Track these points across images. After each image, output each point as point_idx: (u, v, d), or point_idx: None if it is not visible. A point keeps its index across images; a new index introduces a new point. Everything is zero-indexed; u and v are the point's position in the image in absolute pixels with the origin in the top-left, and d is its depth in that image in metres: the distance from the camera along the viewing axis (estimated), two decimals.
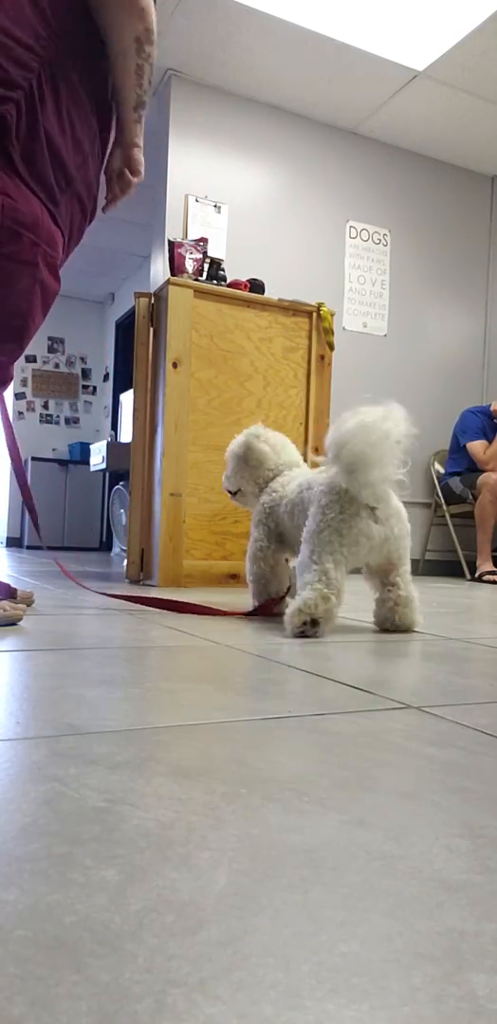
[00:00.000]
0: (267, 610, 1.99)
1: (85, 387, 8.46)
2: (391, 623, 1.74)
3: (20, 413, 7.99)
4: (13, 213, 1.38)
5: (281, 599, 1.99)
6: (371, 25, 3.67)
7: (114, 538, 6.47)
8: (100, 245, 6.53)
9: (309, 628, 1.56)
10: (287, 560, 2.13)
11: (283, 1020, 0.33)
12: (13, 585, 1.80)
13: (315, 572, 1.60)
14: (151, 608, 1.99)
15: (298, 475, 2.02)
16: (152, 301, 3.07)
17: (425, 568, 4.84)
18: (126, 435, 6.00)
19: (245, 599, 2.45)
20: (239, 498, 2.18)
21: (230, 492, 2.20)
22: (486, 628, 1.96)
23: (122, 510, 5.83)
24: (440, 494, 4.68)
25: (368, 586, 1.84)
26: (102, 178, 1.62)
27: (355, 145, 4.66)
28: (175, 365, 2.87)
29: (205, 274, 3.10)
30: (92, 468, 6.38)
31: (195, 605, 1.98)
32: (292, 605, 1.59)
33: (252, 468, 2.08)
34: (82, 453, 7.62)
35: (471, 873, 0.49)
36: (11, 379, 1.59)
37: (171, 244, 3.07)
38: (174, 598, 2.06)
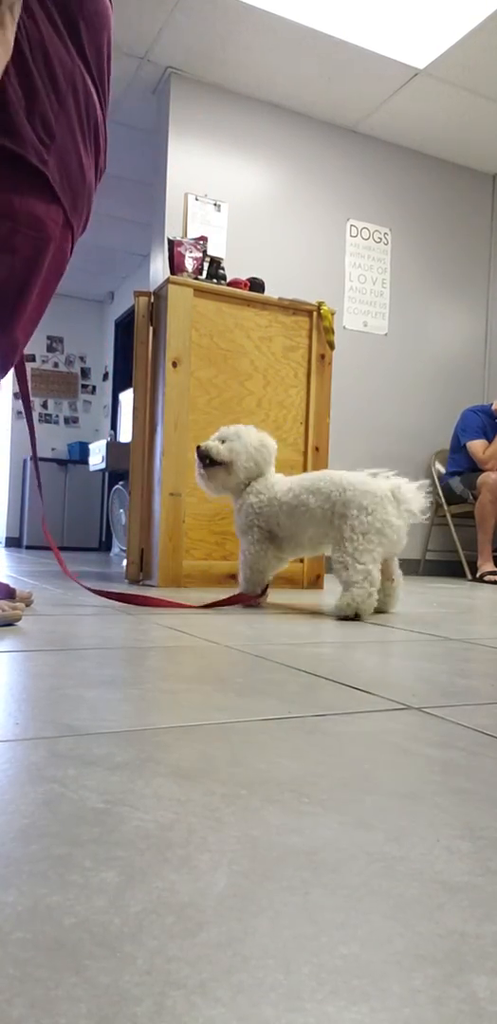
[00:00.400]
0: (245, 600, 2.18)
1: (84, 386, 8.45)
2: (382, 604, 2.07)
3: (19, 412, 7.99)
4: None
5: (264, 591, 2.23)
6: (371, 23, 3.67)
7: (114, 538, 6.47)
8: (100, 244, 6.53)
9: (352, 616, 1.95)
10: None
11: (283, 1022, 0.33)
12: (11, 585, 1.80)
13: (360, 571, 1.95)
14: (131, 604, 1.99)
15: (277, 479, 2.20)
16: (152, 300, 3.06)
17: (426, 568, 4.84)
18: (126, 435, 5.99)
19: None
20: (219, 473, 2.19)
21: (211, 460, 2.18)
22: (487, 628, 1.96)
23: (122, 510, 5.83)
24: (441, 494, 4.68)
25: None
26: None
27: (355, 143, 4.65)
28: (175, 364, 2.87)
29: (205, 273, 3.10)
30: (91, 468, 6.38)
31: (169, 601, 2.08)
32: (343, 598, 1.96)
33: (254, 464, 2.17)
34: (81, 453, 7.62)
35: (472, 875, 0.49)
36: (10, 366, 1.52)
37: (171, 243, 3.07)
38: (175, 598, 2.06)
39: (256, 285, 3.17)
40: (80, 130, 1.44)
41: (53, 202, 1.41)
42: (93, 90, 1.47)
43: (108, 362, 8.24)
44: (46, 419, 8.22)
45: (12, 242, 1.36)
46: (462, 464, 4.58)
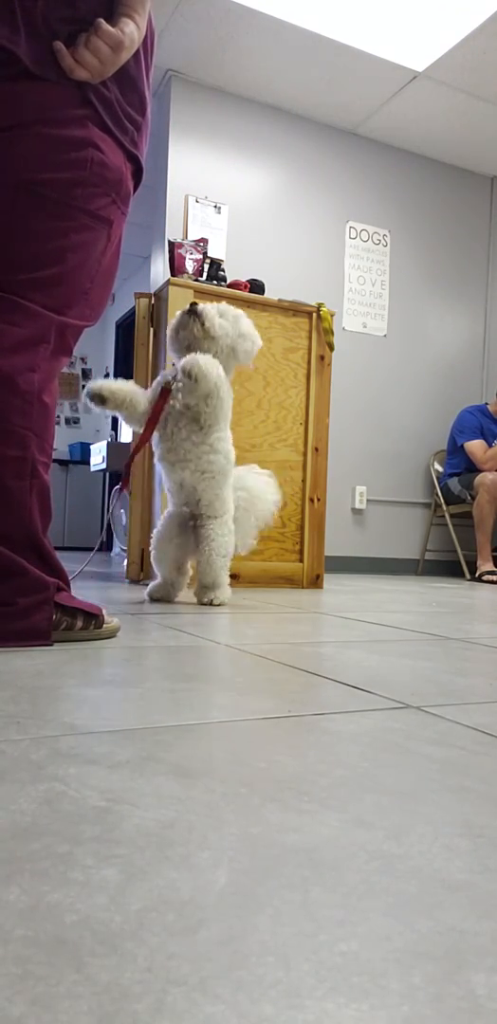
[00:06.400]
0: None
1: (85, 387, 8.45)
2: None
3: None
4: (101, 168, 1.29)
5: None
6: (371, 26, 3.67)
7: (114, 538, 6.47)
8: None
9: None
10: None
11: (283, 1019, 0.33)
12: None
13: None
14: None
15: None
16: (152, 301, 3.07)
17: (425, 568, 4.84)
18: (126, 435, 5.99)
19: (244, 598, 2.44)
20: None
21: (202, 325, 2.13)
22: (486, 628, 1.96)
23: (122, 510, 5.83)
24: (440, 494, 4.68)
25: None
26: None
27: (355, 146, 4.66)
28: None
29: (205, 275, 3.10)
30: (92, 468, 6.39)
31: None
32: None
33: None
34: (82, 453, 7.62)
35: (471, 872, 0.49)
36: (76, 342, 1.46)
37: (171, 244, 3.07)
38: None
39: (256, 287, 3.17)
40: (151, 90, 1.44)
41: (136, 177, 1.42)
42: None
43: (109, 363, 8.24)
44: None
45: (109, 214, 1.34)
46: (460, 465, 4.59)
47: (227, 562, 2.18)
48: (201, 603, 2.13)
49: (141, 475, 3.08)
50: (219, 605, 2.11)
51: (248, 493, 2.30)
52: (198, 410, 2.06)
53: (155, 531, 2.23)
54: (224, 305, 2.22)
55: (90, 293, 1.37)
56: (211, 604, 2.10)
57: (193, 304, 2.15)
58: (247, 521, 2.30)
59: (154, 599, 2.21)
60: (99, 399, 2.08)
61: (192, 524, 2.20)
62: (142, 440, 2.11)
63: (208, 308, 2.16)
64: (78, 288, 1.34)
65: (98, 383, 2.10)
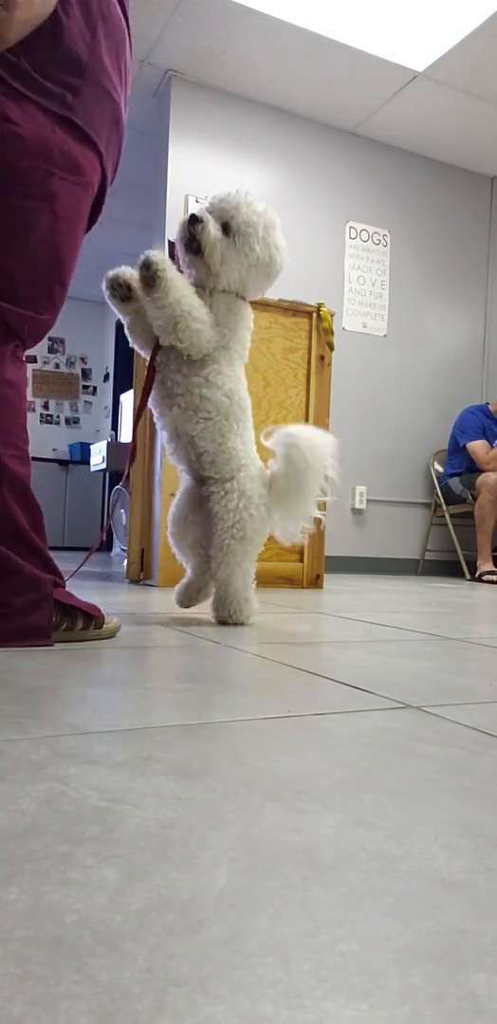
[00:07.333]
0: None
1: (85, 387, 8.46)
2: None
3: None
4: (15, 140, 1.16)
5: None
6: (371, 26, 3.67)
7: (114, 538, 6.47)
8: (100, 246, 6.53)
9: None
10: None
11: (283, 1019, 0.33)
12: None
13: None
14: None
15: None
16: None
17: (425, 568, 4.84)
18: (126, 435, 5.99)
19: None
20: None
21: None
22: (486, 628, 1.96)
23: (122, 510, 5.83)
24: (440, 494, 4.68)
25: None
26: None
27: (355, 146, 4.66)
28: None
29: None
30: (92, 468, 6.39)
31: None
32: None
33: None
34: (82, 453, 7.63)
35: (471, 872, 0.49)
36: (42, 336, 1.34)
37: (171, 244, 3.07)
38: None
39: None
40: (110, 55, 1.30)
41: (86, 143, 1.28)
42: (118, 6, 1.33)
43: (109, 363, 8.25)
44: (47, 420, 8.22)
45: (48, 188, 1.20)
46: (461, 465, 4.59)
47: (249, 550, 1.65)
48: (220, 622, 1.69)
49: (141, 475, 3.08)
50: (239, 624, 1.68)
51: (296, 448, 1.74)
52: (170, 343, 1.62)
53: (169, 515, 1.81)
54: (242, 214, 1.64)
55: (35, 274, 1.26)
56: (229, 622, 1.68)
57: (194, 216, 1.63)
58: (295, 491, 1.73)
59: (183, 605, 1.82)
60: (125, 289, 1.63)
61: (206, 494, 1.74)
62: (146, 390, 1.69)
63: (210, 229, 1.61)
64: (18, 271, 1.24)
65: (127, 272, 1.65)
